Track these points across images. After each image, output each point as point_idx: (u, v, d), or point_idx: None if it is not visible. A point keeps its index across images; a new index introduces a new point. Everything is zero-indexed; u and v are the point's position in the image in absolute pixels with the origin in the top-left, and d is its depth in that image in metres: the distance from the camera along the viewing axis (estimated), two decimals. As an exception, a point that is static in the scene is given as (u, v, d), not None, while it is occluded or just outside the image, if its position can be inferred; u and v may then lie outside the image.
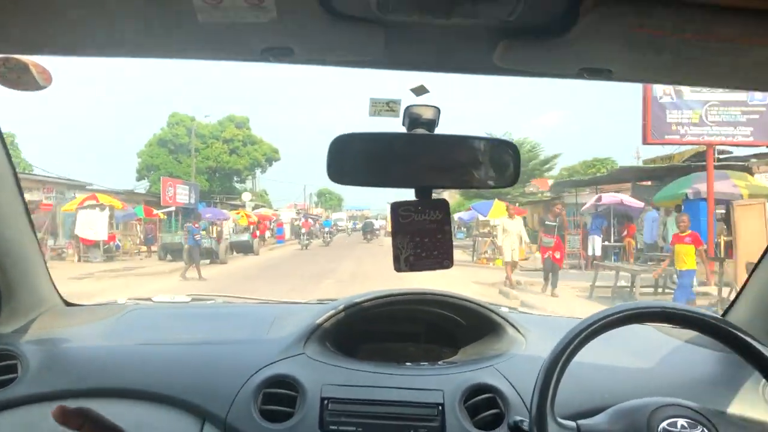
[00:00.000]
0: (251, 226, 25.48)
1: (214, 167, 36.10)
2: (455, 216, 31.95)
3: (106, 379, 1.11)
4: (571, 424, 0.88)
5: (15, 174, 1.16)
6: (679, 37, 0.68)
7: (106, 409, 1.06)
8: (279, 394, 1.09)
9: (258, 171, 40.07)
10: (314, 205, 62.86)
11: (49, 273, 1.32)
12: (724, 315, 1.27)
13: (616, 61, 0.79)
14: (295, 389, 1.09)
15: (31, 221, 1.21)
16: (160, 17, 0.72)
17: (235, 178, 39.41)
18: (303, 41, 0.77)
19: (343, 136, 0.87)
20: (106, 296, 1.77)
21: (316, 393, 1.08)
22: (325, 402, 1.07)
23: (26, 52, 0.87)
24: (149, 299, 1.60)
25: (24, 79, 0.86)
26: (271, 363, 1.13)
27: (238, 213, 26.50)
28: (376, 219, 46.40)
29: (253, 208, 31.41)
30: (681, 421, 0.88)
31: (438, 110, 0.88)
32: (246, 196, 32.49)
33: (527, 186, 29.90)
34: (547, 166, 31.16)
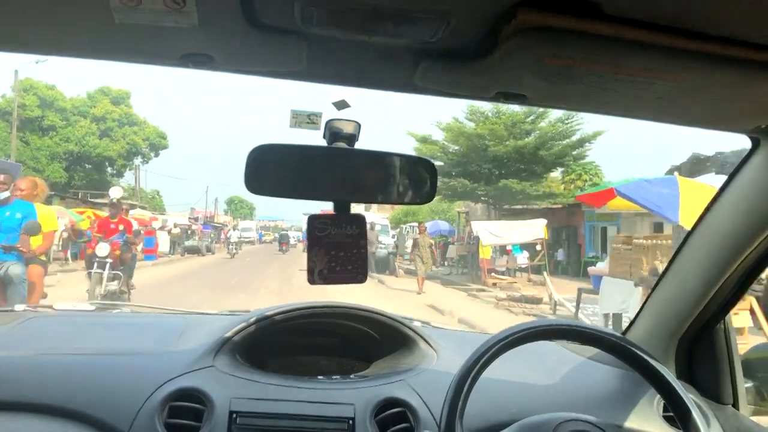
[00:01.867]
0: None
1: (76, 152, 32.62)
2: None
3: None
4: None
5: None
6: (588, 69, 0.84)
7: (1, 423, 1.14)
8: (186, 408, 1.19)
9: (139, 161, 36.27)
10: (223, 212, 61.49)
11: None
12: (624, 333, 1.52)
13: (531, 88, 0.95)
14: (202, 403, 1.20)
15: None
16: (76, 16, 0.79)
17: (110, 170, 35.72)
18: (224, 49, 0.87)
19: (262, 146, 0.98)
20: None
21: (225, 407, 1.19)
22: (234, 416, 1.18)
23: None
24: (50, 307, 1.68)
25: None
26: (179, 375, 1.24)
27: (82, 213, 20.12)
28: (290, 230, 47.35)
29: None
30: None
31: (358, 125, 1.02)
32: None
33: (540, 182, 22.10)
34: (579, 150, 23.14)
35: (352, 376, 1.42)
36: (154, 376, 1.24)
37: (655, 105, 0.98)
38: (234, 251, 28.79)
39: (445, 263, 23.12)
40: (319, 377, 1.40)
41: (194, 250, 28.40)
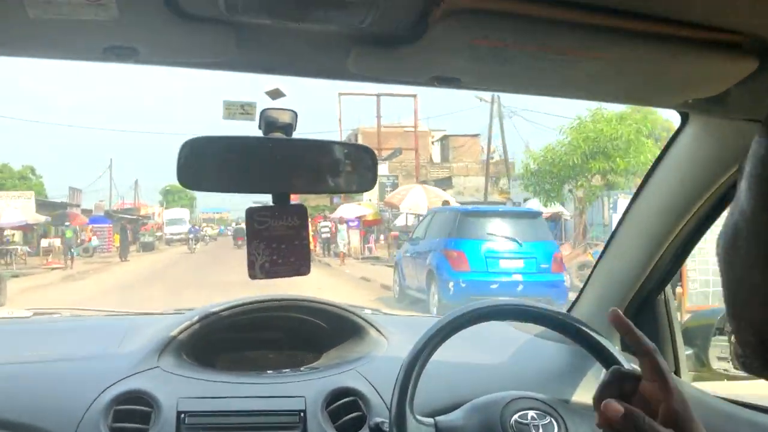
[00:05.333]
0: None
1: None
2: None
3: None
4: (430, 420, 1.07)
5: None
6: (519, 49, 0.86)
7: None
8: (132, 411, 1.18)
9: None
10: (159, 204, 52.61)
11: None
12: (570, 309, 1.56)
13: (464, 71, 0.97)
14: (149, 404, 1.19)
15: None
16: None
17: None
18: (148, 41, 0.86)
19: (195, 139, 0.98)
20: None
21: (172, 407, 1.18)
22: (182, 416, 1.18)
23: None
24: None
25: None
26: (123, 378, 1.23)
27: None
28: (239, 221, 41.46)
29: None
30: (531, 413, 1.11)
31: (295, 114, 1.01)
32: None
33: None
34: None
35: (302, 368, 1.42)
36: (97, 380, 1.23)
37: (586, 83, 1.01)
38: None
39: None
40: (269, 372, 1.40)
41: None
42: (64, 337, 1.48)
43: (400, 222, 22.38)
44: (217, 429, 1.20)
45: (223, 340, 1.44)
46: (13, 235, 20.66)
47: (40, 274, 16.52)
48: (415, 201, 15.74)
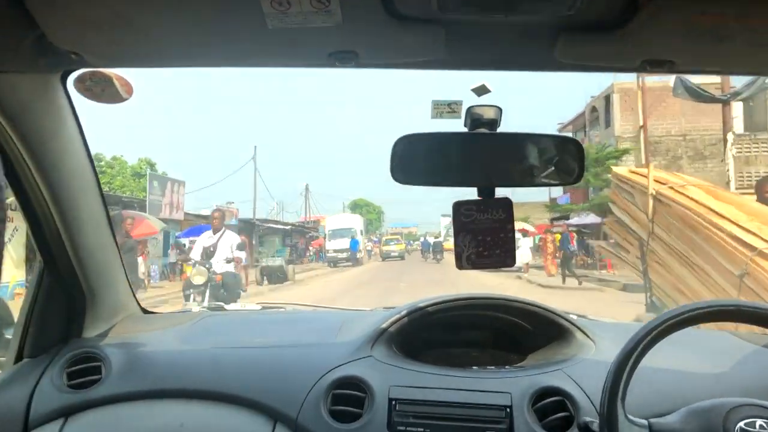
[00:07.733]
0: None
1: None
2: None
3: (182, 381, 1.34)
4: (643, 422, 1.02)
5: (98, 181, 1.38)
6: (742, 24, 0.80)
7: (183, 410, 1.30)
8: (348, 395, 1.28)
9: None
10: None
11: (128, 280, 1.58)
12: None
13: (679, 52, 0.92)
14: (363, 390, 1.28)
15: (112, 230, 1.46)
16: (232, 26, 0.89)
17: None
18: (367, 44, 0.94)
19: (406, 136, 1.04)
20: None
21: (384, 394, 1.26)
22: (393, 403, 1.25)
23: (110, 65, 1.09)
24: (221, 307, 1.90)
25: (108, 92, 1.13)
26: (340, 365, 1.33)
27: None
28: (425, 236, 36.18)
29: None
30: (759, 422, 1.00)
31: (500, 110, 1.04)
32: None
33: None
34: None
35: (507, 366, 1.43)
36: (318, 365, 1.35)
37: None
38: None
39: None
40: (474, 368, 1.42)
41: None
42: (288, 327, 1.64)
43: None
44: (426, 417, 1.25)
45: (429, 338, 1.50)
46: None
47: None
48: None
